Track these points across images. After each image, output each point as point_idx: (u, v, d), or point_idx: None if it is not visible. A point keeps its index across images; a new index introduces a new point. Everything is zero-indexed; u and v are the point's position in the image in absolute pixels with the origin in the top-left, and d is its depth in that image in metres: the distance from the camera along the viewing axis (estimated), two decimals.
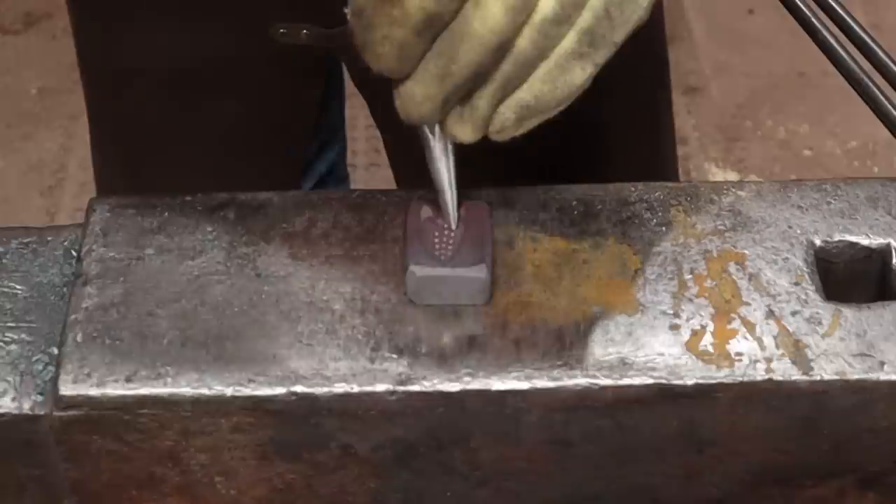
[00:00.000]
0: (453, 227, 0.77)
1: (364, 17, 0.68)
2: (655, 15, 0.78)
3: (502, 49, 0.68)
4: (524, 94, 0.70)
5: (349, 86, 1.21)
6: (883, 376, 0.73)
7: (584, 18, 0.68)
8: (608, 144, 1.12)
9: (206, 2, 1.07)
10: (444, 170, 0.76)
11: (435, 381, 0.73)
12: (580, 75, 0.69)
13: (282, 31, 1.06)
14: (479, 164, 0.97)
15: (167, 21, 1.07)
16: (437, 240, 0.77)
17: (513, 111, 0.71)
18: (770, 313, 0.76)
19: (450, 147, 0.76)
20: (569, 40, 0.68)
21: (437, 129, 0.74)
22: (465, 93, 0.70)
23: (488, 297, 0.76)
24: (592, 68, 0.70)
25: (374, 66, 0.69)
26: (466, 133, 0.72)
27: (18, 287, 0.80)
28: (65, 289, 0.80)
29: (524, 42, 0.68)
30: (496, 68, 0.69)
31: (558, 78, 0.69)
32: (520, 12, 0.67)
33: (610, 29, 0.69)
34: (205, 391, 0.73)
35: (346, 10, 0.71)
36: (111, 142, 1.23)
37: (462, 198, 0.79)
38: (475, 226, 0.77)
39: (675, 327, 0.75)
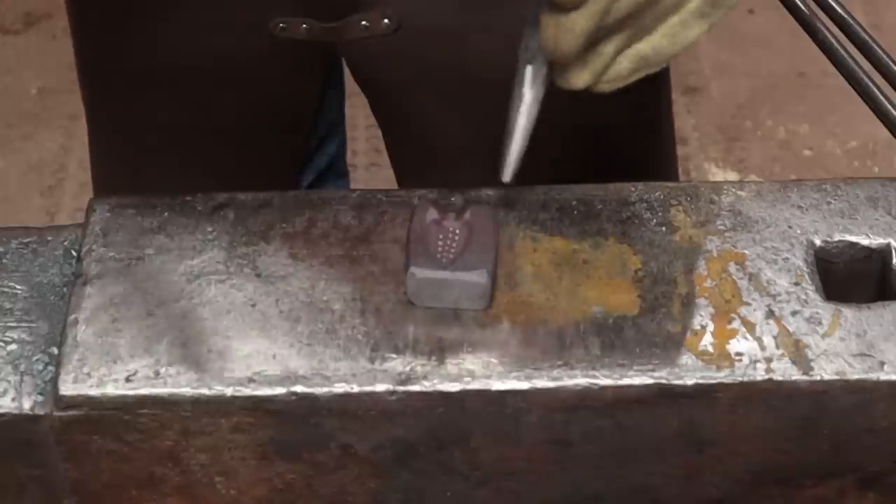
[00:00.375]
0: (506, 178, 0.76)
1: None
2: None
3: None
4: (644, 46, 0.73)
5: (350, 85, 1.21)
6: (883, 376, 0.73)
7: None
8: (608, 144, 1.12)
9: None
10: (527, 120, 0.76)
11: (435, 381, 0.73)
12: (696, 33, 0.73)
13: (281, 26, 1.06)
14: (481, 164, 0.97)
15: (166, 18, 1.07)
16: (440, 242, 0.77)
17: (630, 61, 0.74)
18: (770, 313, 0.76)
19: (541, 97, 0.76)
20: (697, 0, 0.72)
21: (540, 75, 0.75)
22: (598, 39, 0.72)
23: (488, 302, 0.76)
24: (707, 27, 0.73)
25: None
26: (583, 78, 0.74)
27: (18, 287, 0.80)
28: (65, 289, 0.80)
29: None
30: (639, 17, 0.72)
31: (679, 33, 0.73)
32: None
33: None
34: (205, 391, 0.73)
35: None
36: (109, 140, 1.23)
37: (465, 200, 0.79)
38: (480, 230, 0.77)
39: (675, 327, 0.75)
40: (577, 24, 0.71)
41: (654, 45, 0.73)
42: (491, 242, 0.77)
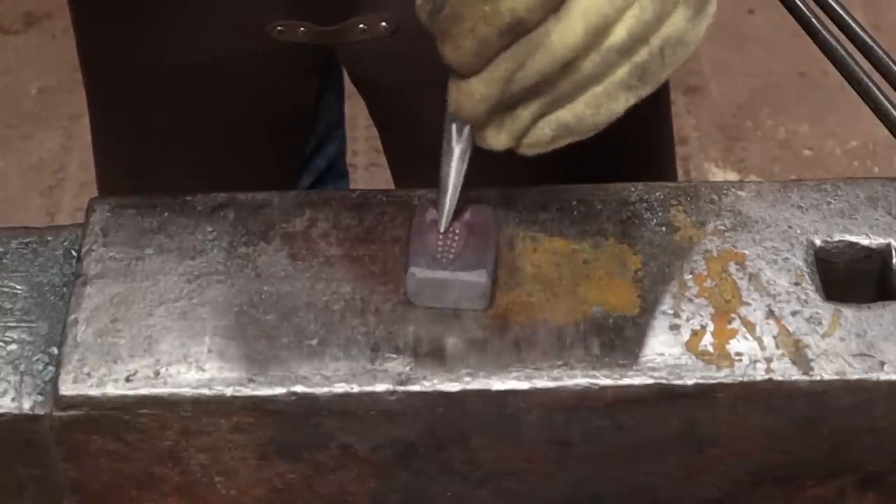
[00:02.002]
0: (441, 230, 0.77)
1: (450, 7, 0.69)
2: None
3: (569, 67, 0.69)
4: (566, 114, 0.71)
5: (350, 85, 1.21)
6: (883, 376, 0.73)
7: (642, 54, 0.70)
8: (608, 144, 1.12)
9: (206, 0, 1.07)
10: (455, 173, 0.76)
11: (435, 381, 0.73)
12: (622, 105, 0.71)
13: (279, 28, 1.06)
14: (481, 163, 0.97)
15: (165, 19, 1.07)
16: (440, 242, 0.77)
17: (551, 128, 0.72)
18: (770, 313, 0.76)
19: (469, 152, 0.76)
20: (623, 71, 0.70)
21: (464, 132, 0.75)
22: (514, 102, 0.71)
23: (488, 302, 0.76)
24: (634, 100, 0.71)
25: (449, 57, 0.70)
26: (500, 141, 0.73)
27: (18, 287, 0.80)
28: (65, 289, 0.80)
29: (588, 64, 0.69)
30: (553, 85, 0.70)
31: (603, 104, 0.71)
32: (598, 35, 0.68)
33: (660, 67, 0.71)
34: (205, 391, 0.73)
35: None
36: (113, 139, 1.23)
37: (465, 200, 0.79)
38: (479, 230, 0.77)
39: (675, 327, 0.75)
40: (477, 90, 0.70)
41: (576, 113, 0.71)
42: (491, 242, 0.77)
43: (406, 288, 0.76)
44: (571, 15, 0.68)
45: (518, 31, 0.68)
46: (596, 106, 0.71)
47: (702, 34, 0.71)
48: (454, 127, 0.75)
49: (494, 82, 0.69)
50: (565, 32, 0.68)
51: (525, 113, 0.71)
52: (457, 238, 0.77)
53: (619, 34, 0.69)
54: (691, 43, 0.71)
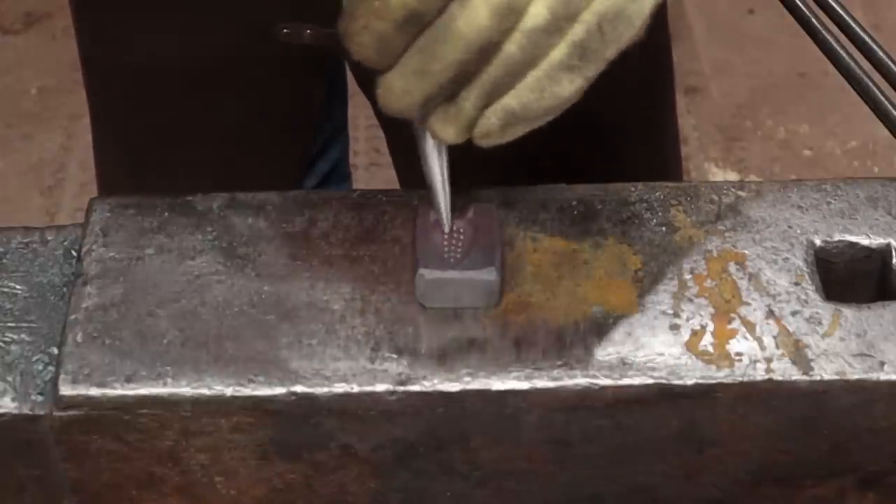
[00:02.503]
0: (445, 228, 0.77)
1: (348, 5, 0.68)
2: (659, 16, 0.79)
3: (487, 51, 0.68)
4: (510, 101, 0.70)
5: (350, 85, 1.21)
6: (883, 376, 0.73)
7: (576, 32, 0.68)
8: (612, 145, 1.12)
9: (209, 1, 1.07)
10: (436, 167, 0.76)
11: (435, 381, 0.73)
12: (568, 87, 0.69)
13: (285, 30, 1.06)
14: (482, 163, 0.97)
15: (170, 20, 1.07)
16: (446, 242, 0.77)
17: (498, 117, 0.70)
18: (770, 313, 0.76)
19: (442, 145, 0.75)
20: (559, 51, 0.68)
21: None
22: (449, 92, 0.70)
23: (497, 299, 0.76)
24: (582, 81, 0.69)
25: (356, 55, 0.69)
26: (449, 133, 0.71)
27: (18, 287, 0.80)
28: (65, 289, 0.80)
29: (513, 47, 0.68)
30: (482, 70, 0.69)
31: (546, 88, 0.69)
32: (506, 17, 0.67)
33: (602, 44, 0.69)
34: (205, 391, 0.73)
35: None
36: (113, 140, 1.23)
37: (468, 199, 0.79)
38: (484, 228, 0.77)
39: (675, 327, 0.75)
40: (395, 84, 0.69)
41: (520, 99, 0.69)
42: (496, 239, 0.77)
43: (416, 290, 0.76)
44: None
45: (417, 22, 0.66)
46: (539, 90, 0.69)
47: (646, 9, 0.69)
48: (420, 128, 0.74)
49: (409, 76, 0.68)
50: (470, 17, 0.66)
51: (466, 104, 0.70)
52: (462, 237, 0.77)
53: (539, 13, 0.67)
54: (634, 17, 0.68)
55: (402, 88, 0.69)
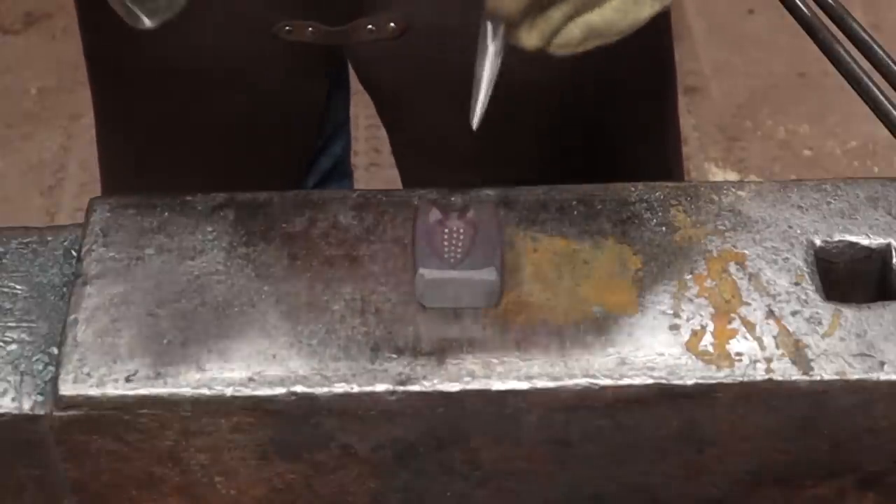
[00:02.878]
0: (475, 124, 0.78)
1: None
2: (662, 20, 0.80)
3: None
4: (595, 17, 0.75)
5: (351, 84, 1.21)
6: (883, 376, 0.73)
7: None
8: (615, 146, 1.12)
9: None
10: (489, 71, 0.78)
11: (435, 381, 0.73)
12: (647, 11, 0.75)
13: (287, 28, 1.06)
14: (484, 162, 0.97)
15: (175, 18, 1.07)
16: (446, 242, 0.77)
17: (580, 29, 0.75)
18: (770, 313, 0.76)
19: (502, 51, 0.77)
20: None
21: (499, 31, 0.77)
22: (548, 2, 0.74)
23: (497, 299, 0.76)
24: (659, 7, 0.75)
25: None
26: (532, 39, 0.76)
27: (18, 287, 0.80)
28: (65, 289, 0.80)
29: None
30: None
31: (630, 9, 0.75)
32: None
33: None
34: (205, 391, 0.73)
35: None
36: (118, 138, 1.23)
37: (468, 199, 0.79)
38: (484, 228, 0.77)
39: (675, 327, 0.75)
40: None
41: (605, 17, 0.75)
42: (496, 239, 0.77)
43: (416, 289, 0.76)
44: None
45: None
46: (624, 11, 0.75)
47: None
48: (489, 26, 0.77)
49: None
50: None
51: (557, 14, 0.75)
52: (462, 237, 0.77)
53: None
54: None
55: None
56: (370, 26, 1.04)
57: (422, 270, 0.75)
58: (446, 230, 0.77)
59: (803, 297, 0.77)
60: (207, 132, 1.16)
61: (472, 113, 0.78)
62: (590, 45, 0.76)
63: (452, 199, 0.82)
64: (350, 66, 1.14)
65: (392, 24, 1.04)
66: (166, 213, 0.81)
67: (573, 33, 0.76)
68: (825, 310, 0.76)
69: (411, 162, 1.17)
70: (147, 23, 0.77)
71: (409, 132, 1.15)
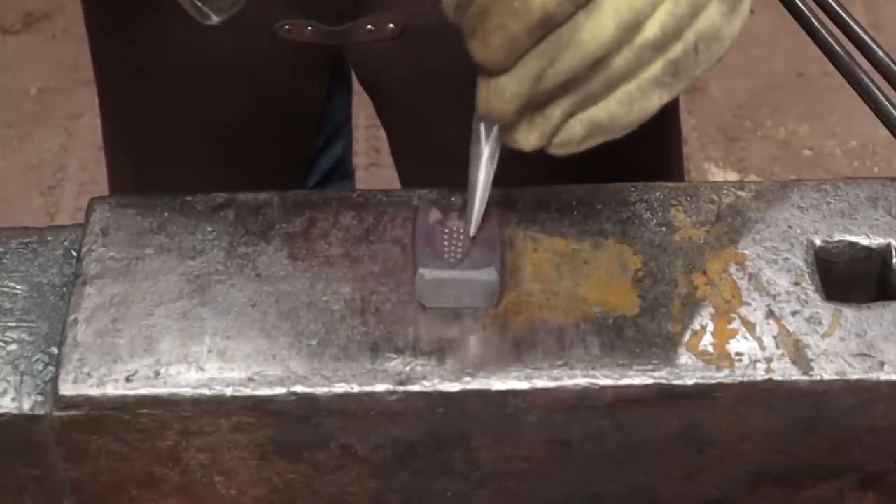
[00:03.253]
0: (473, 232, 0.77)
1: (479, 4, 0.68)
2: None
3: (599, 63, 0.68)
4: (599, 112, 0.70)
5: (353, 84, 1.22)
6: (883, 376, 0.73)
7: (676, 49, 0.69)
8: (615, 146, 1.13)
9: None
10: (485, 173, 0.75)
11: (435, 381, 0.73)
12: (656, 102, 0.70)
13: (286, 27, 1.06)
14: None
15: (172, 17, 1.08)
16: (446, 242, 0.77)
17: (583, 126, 0.71)
18: (770, 313, 0.76)
19: (497, 153, 0.75)
20: (656, 67, 0.69)
21: (493, 131, 0.74)
22: (545, 100, 0.70)
23: (497, 299, 0.76)
24: (668, 98, 0.70)
25: (478, 55, 0.69)
26: (531, 140, 0.72)
27: (18, 287, 0.80)
28: (65, 289, 0.80)
29: (619, 60, 0.68)
30: (585, 81, 0.69)
31: (636, 102, 0.70)
32: (629, 31, 0.67)
33: (694, 64, 0.70)
34: (205, 391, 0.73)
35: None
36: (122, 136, 1.23)
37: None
38: (486, 228, 0.77)
39: (675, 327, 0.75)
40: (508, 88, 0.69)
41: (609, 111, 0.70)
42: (496, 239, 0.77)
43: (415, 289, 0.76)
44: (602, 10, 0.67)
45: (548, 27, 0.67)
46: (629, 104, 0.70)
47: (737, 30, 0.70)
48: (482, 127, 0.74)
49: (525, 80, 0.68)
50: (596, 28, 0.67)
51: (556, 111, 0.70)
52: (463, 237, 0.77)
53: (651, 29, 0.68)
54: (726, 39, 0.69)
55: (513, 92, 0.69)
56: (369, 26, 1.05)
57: (422, 270, 0.75)
58: (446, 230, 0.77)
59: (803, 297, 0.77)
60: (207, 130, 1.16)
61: (469, 222, 0.76)
62: (594, 143, 0.72)
63: (452, 198, 0.82)
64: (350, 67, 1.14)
65: (391, 25, 1.04)
66: (166, 213, 0.81)
67: (576, 131, 0.71)
68: (825, 310, 0.76)
69: (410, 162, 1.17)
70: (214, 19, 0.76)
71: (407, 133, 1.15)
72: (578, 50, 0.67)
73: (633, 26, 0.67)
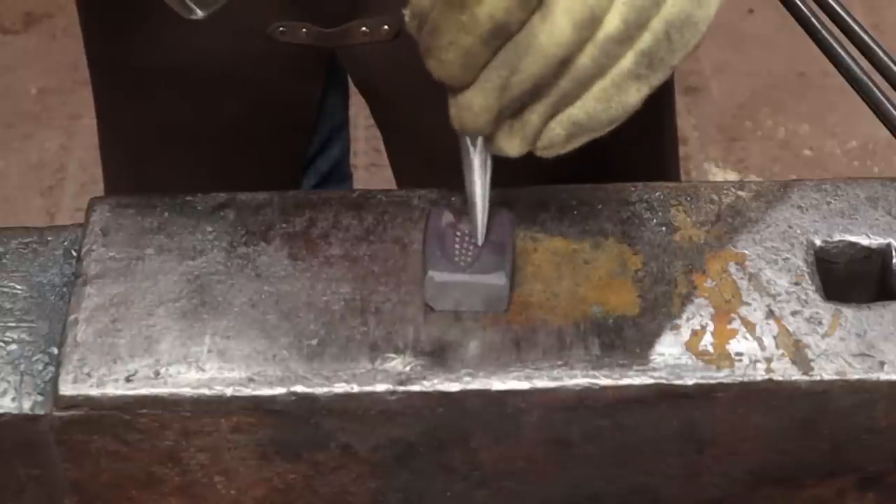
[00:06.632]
0: (480, 242, 0.76)
1: (430, 21, 0.67)
2: None
3: (564, 64, 0.67)
4: (577, 112, 0.70)
5: (350, 85, 1.21)
6: (883, 376, 0.73)
7: (645, 40, 0.68)
8: (611, 146, 1.13)
9: None
10: (480, 183, 0.75)
11: (435, 381, 0.73)
12: (634, 96, 0.69)
13: (281, 29, 1.06)
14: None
15: (167, 19, 1.08)
16: (457, 246, 0.76)
17: (563, 128, 0.70)
18: (770, 313, 0.76)
19: (489, 161, 0.74)
20: (627, 60, 0.68)
21: (478, 141, 0.73)
22: (519, 106, 0.69)
23: (506, 304, 0.76)
24: (647, 90, 0.69)
25: (436, 72, 0.68)
26: (514, 147, 0.71)
27: (18, 287, 0.80)
28: (65, 289, 0.80)
29: (585, 59, 0.68)
30: (554, 83, 0.68)
31: (613, 97, 0.69)
32: (586, 28, 0.66)
33: (669, 52, 0.68)
34: (205, 391, 0.73)
35: (405, 12, 0.70)
36: (118, 139, 1.23)
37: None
38: (496, 232, 0.77)
39: (675, 327, 0.75)
40: (475, 102, 0.68)
41: (587, 110, 0.69)
42: (507, 243, 0.77)
43: (424, 292, 0.76)
44: (555, 12, 0.66)
45: (502, 35, 0.66)
46: (606, 100, 0.69)
47: (712, 13, 0.68)
48: (468, 139, 0.73)
49: (490, 92, 0.68)
50: (552, 31, 0.66)
51: (533, 116, 0.70)
52: (474, 240, 0.77)
53: (612, 23, 0.67)
54: (700, 22, 0.68)
55: (480, 105, 0.68)
56: (364, 28, 1.05)
57: (431, 273, 0.75)
58: (458, 233, 0.77)
59: (803, 297, 0.77)
60: (202, 133, 1.16)
61: (475, 232, 0.76)
62: (579, 142, 0.71)
63: (452, 198, 0.82)
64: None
65: (386, 27, 1.04)
66: (166, 213, 0.81)
67: (556, 133, 0.70)
68: (825, 310, 0.76)
69: (406, 163, 1.17)
70: (199, 13, 0.75)
71: (403, 134, 1.15)
72: (538, 54, 0.66)
73: (591, 23, 0.66)
